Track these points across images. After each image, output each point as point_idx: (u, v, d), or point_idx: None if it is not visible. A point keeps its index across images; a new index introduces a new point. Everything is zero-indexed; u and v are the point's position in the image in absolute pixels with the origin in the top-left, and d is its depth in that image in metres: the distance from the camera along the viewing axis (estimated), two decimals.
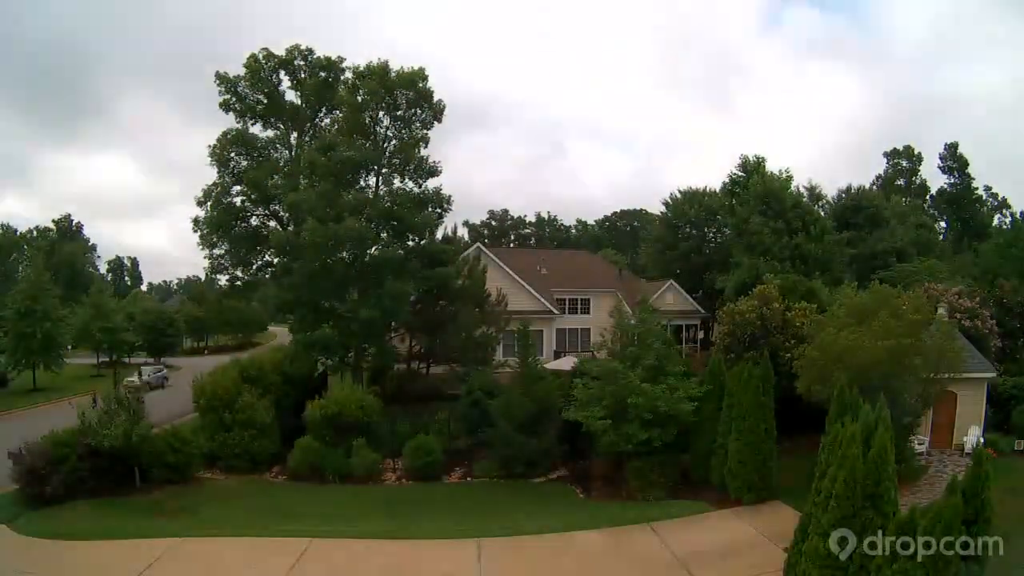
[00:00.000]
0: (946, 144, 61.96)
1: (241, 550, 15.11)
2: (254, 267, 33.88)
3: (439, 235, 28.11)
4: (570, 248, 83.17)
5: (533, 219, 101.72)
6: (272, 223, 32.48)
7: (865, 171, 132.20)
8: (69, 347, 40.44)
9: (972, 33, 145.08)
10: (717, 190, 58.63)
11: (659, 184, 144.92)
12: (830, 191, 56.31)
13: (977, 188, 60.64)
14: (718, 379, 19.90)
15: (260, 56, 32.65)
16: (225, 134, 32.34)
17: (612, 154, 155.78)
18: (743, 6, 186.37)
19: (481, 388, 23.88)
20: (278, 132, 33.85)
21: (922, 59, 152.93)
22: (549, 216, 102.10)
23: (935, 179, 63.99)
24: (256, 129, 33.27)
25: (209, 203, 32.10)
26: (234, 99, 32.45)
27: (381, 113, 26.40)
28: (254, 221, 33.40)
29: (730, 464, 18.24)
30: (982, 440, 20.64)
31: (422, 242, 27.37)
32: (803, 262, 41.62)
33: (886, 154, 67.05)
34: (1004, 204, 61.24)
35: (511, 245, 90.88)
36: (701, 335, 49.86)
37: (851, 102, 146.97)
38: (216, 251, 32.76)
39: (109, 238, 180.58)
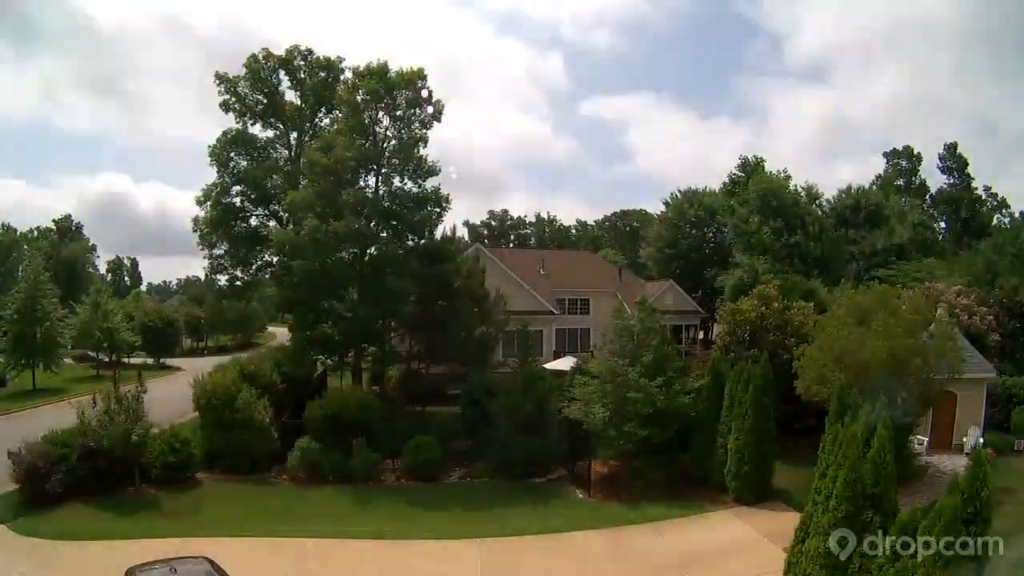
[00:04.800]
0: (946, 144, 62.09)
1: (241, 550, 15.08)
2: (253, 267, 33.94)
3: (438, 234, 28.11)
4: (570, 248, 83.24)
5: (533, 219, 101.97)
6: (272, 223, 32.52)
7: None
8: (69, 347, 40.35)
9: None
10: (717, 190, 58.82)
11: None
12: (830, 191, 56.46)
13: (977, 188, 60.75)
14: (719, 378, 19.92)
15: (260, 56, 32.71)
16: (225, 134, 32.42)
17: None
18: None
19: (481, 388, 23.87)
20: (278, 132, 33.92)
21: None
22: (549, 216, 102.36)
23: (935, 179, 64.16)
24: (256, 129, 33.39)
25: (209, 203, 32.15)
26: (234, 99, 32.51)
27: (380, 113, 26.39)
28: (253, 221, 33.49)
29: (730, 464, 18.27)
30: (982, 440, 20.67)
31: (421, 241, 27.38)
32: (802, 261, 41.74)
33: (886, 154, 67.20)
34: (1003, 204, 61.40)
35: (511, 245, 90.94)
36: (701, 335, 49.90)
37: None
38: (216, 251, 32.84)
39: None
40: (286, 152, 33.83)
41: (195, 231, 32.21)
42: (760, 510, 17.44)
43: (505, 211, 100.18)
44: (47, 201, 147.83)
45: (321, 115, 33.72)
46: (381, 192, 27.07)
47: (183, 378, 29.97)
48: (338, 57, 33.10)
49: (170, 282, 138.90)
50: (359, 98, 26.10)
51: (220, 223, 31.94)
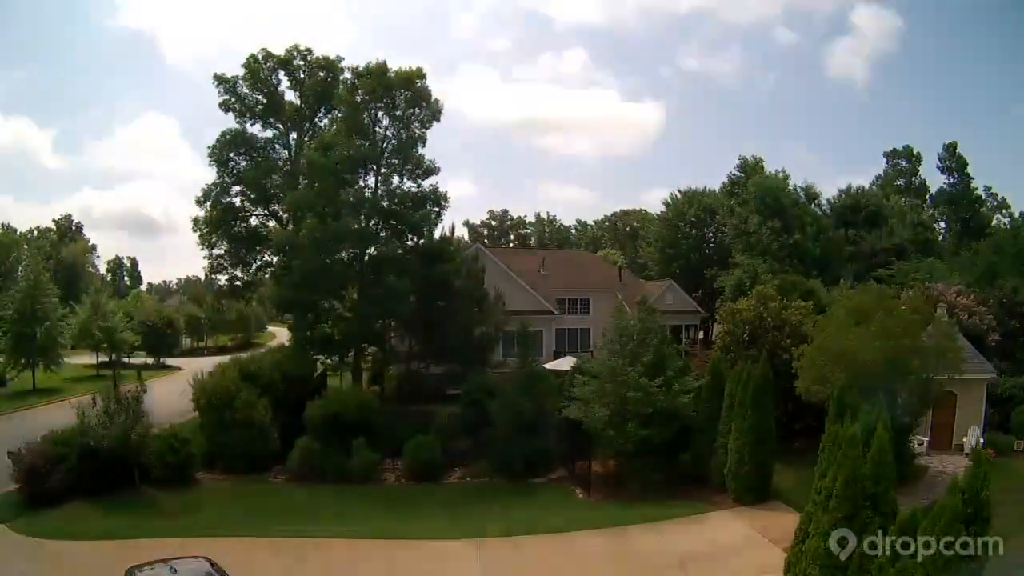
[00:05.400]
0: (945, 144, 62.05)
1: (241, 550, 15.08)
2: (253, 267, 33.96)
3: (437, 234, 28.14)
4: (570, 248, 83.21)
5: (533, 219, 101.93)
6: (271, 223, 32.55)
7: None
8: (69, 347, 40.35)
9: None
10: (716, 190, 58.86)
11: None
12: (830, 191, 56.57)
13: (977, 188, 60.70)
14: (719, 378, 19.92)
15: (259, 56, 32.70)
16: (224, 134, 32.40)
17: None
18: None
19: (481, 388, 23.88)
20: (277, 132, 33.91)
21: None
22: (549, 216, 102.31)
23: (935, 179, 64.08)
24: (255, 129, 33.38)
25: (208, 203, 32.16)
26: (233, 99, 32.49)
27: (380, 113, 26.43)
28: (253, 221, 33.50)
29: (730, 464, 18.26)
30: (982, 440, 20.66)
31: (421, 241, 27.40)
32: (802, 261, 41.76)
33: (886, 154, 67.12)
34: (1004, 204, 61.34)
35: (511, 245, 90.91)
36: (701, 335, 49.89)
37: None
38: (216, 251, 32.87)
39: None
40: (286, 152, 33.83)
41: (195, 231, 32.26)
42: (760, 510, 17.43)
43: (505, 211, 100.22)
44: None
45: (321, 115, 33.71)
46: (380, 192, 27.10)
47: (183, 378, 29.99)
48: (337, 57, 33.14)
49: (170, 282, 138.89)
50: (358, 98, 26.14)
51: (220, 223, 31.96)
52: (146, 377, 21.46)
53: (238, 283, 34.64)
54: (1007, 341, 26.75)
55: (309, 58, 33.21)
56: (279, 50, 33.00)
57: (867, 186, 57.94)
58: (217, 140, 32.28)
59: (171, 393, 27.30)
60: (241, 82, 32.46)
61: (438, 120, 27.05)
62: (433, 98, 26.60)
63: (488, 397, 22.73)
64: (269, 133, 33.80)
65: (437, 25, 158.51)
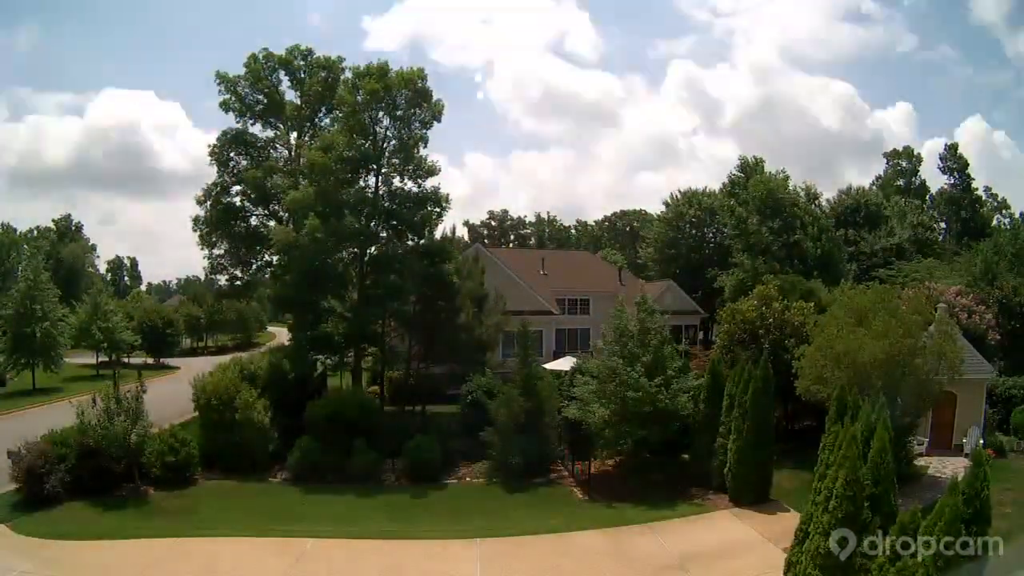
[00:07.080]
0: (946, 144, 62.15)
1: (241, 550, 15.10)
2: (253, 267, 33.96)
3: (438, 234, 28.10)
4: (570, 248, 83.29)
5: (533, 219, 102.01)
6: (271, 223, 32.51)
7: None
8: (68, 347, 40.33)
9: None
10: (716, 190, 58.95)
11: None
12: (830, 191, 56.57)
13: (977, 188, 60.75)
14: (718, 379, 19.92)
15: (260, 56, 32.71)
16: (225, 133, 32.43)
17: None
18: None
19: (480, 388, 23.89)
20: (278, 132, 33.90)
21: None
22: (549, 216, 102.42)
23: (935, 180, 64.13)
24: (256, 129, 33.37)
25: (209, 202, 32.18)
26: (234, 99, 32.47)
27: (380, 113, 26.39)
28: (253, 221, 33.49)
29: (730, 464, 18.26)
30: (982, 441, 20.66)
31: (421, 241, 27.40)
32: (801, 261, 41.76)
33: (886, 155, 67.26)
34: (1004, 204, 61.41)
35: (511, 245, 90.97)
36: (701, 335, 49.92)
37: None
38: (216, 251, 32.88)
39: None
40: (286, 152, 33.84)
41: (195, 231, 32.25)
42: (759, 511, 17.43)
43: (505, 211, 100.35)
44: None
45: (321, 115, 33.70)
46: (381, 192, 27.09)
47: (182, 378, 30.01)
48: (338, 57, 33.16)
49: (170, 281, 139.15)
50: (359, 98, 26.09)
51: (220, 223, 31.97)
52: (146, 377, 21.38)
53: (238, 283, 34.61)
54: (1007, 341, 26.76)
55: (309, 58, 33.22)
56: (279, 50, 33.09)
57: (867, 186, 58.05)
58: (218, 139, 32.34)
59: (171, 393, 27.34)
60: (242, 82, 32.46)
61: (439, 120, 26.98)
62: (434, 99, 26.61)
63: (488, 397, 22.75)
64: (270, 133, 33.83)
65: None
